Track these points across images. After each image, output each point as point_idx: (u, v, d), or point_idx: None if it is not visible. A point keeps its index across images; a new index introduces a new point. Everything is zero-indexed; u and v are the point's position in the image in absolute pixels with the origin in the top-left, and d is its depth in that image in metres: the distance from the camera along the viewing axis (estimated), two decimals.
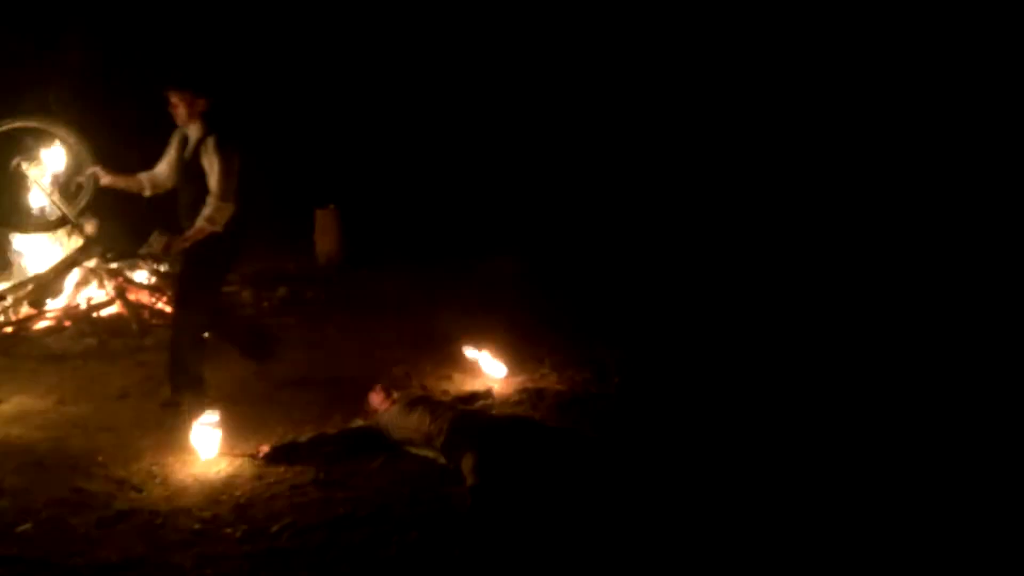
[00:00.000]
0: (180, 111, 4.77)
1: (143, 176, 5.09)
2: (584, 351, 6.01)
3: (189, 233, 4.79)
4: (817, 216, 9.21)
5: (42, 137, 6.60)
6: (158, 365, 5.90)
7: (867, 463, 4.03)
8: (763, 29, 10.92)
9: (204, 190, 4.76)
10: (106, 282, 6.97)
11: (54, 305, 6.68)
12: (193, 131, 4.81)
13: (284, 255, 9.27)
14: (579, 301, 7.53)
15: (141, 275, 7.43)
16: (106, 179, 5.16)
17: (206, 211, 4.73)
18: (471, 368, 5.60)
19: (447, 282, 8.21)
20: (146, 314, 6.87)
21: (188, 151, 4.82)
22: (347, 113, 11.33)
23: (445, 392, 5.24)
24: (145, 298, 7.09)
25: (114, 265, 7.17)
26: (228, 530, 3.49)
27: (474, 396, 5.11)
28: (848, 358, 5.64)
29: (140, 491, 3.88)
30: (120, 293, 6.91)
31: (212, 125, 4.77)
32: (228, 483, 3.95)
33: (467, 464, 3.85)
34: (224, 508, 3.69)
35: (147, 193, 5.13)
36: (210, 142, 4.73)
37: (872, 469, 3.97)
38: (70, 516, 3.62)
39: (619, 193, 10.41)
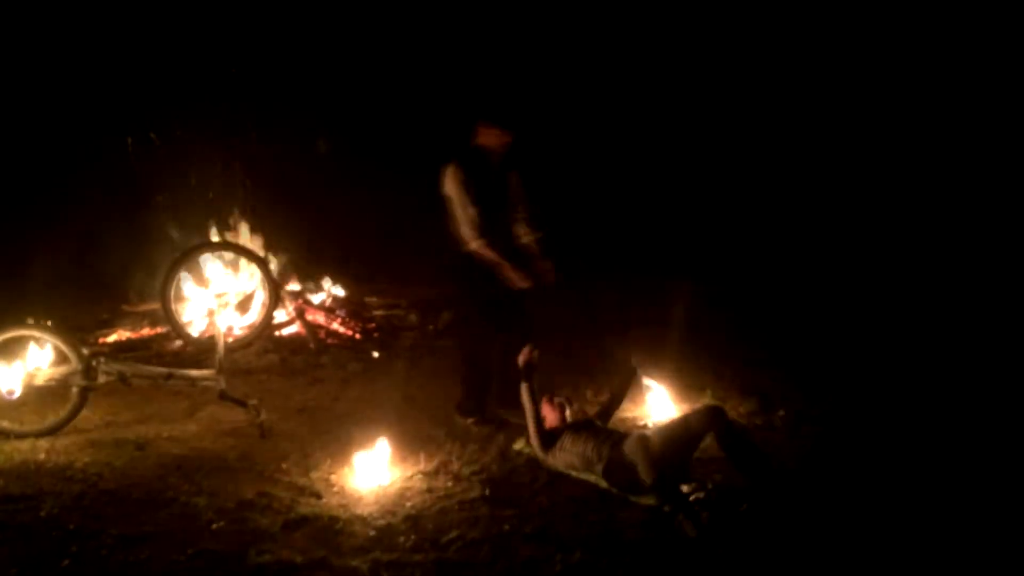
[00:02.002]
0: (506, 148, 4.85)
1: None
2: (748, 380, 5.89)
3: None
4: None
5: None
6: (333, 381, 6.30)
7: None
8: None
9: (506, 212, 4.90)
10: (287, 303, 7.45)
11: (243, 323, 7.20)
12: (499, 164, 4.89)
13: (446, 280, 9.58)
14: (745, 328, 7.38)
15: (318, 297, 7.92)
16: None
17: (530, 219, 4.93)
18: (632, 394, 5.58)
19: (609, 307, 8.25)
20: (322, 334, 7.29)
21: (501, 182, 4.91)
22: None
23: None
24: (322, 319, 7.53)
25: (295, 287, 7.67)
26: (401, 539, 3.65)
27: (634, 423, 5.10)
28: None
29: (320, 498, 4.12)
30: (300, 314, 7.38)
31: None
32: (400, 494, 4.13)
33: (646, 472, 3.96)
34: (396, 518, 3.85)
35: None
36: (514, 172, 4.94)
37: None
38: (258, 517, 3.89)
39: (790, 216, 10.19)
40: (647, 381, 5.41)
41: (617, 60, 11.45)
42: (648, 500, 3.96)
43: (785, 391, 5.63)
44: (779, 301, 8.25)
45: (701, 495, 3.94)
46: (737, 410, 5.37)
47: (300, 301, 7.63)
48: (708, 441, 4.80)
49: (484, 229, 4.68)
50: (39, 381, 5.17)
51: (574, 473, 4.33)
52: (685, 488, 3.99)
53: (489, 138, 4.80)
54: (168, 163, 8.02)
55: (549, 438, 4.43)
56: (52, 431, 5.06)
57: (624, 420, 5.17)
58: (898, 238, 9.42)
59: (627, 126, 11.41)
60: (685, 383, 5.74)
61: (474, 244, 4.62)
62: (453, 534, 3.68)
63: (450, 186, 4.75)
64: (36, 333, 5.21)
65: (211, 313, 7.14)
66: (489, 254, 4.63)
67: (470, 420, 4.65)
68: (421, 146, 10.74)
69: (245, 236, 7.78)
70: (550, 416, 4.57)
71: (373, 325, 7.65)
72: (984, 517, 3.73)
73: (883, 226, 9.67)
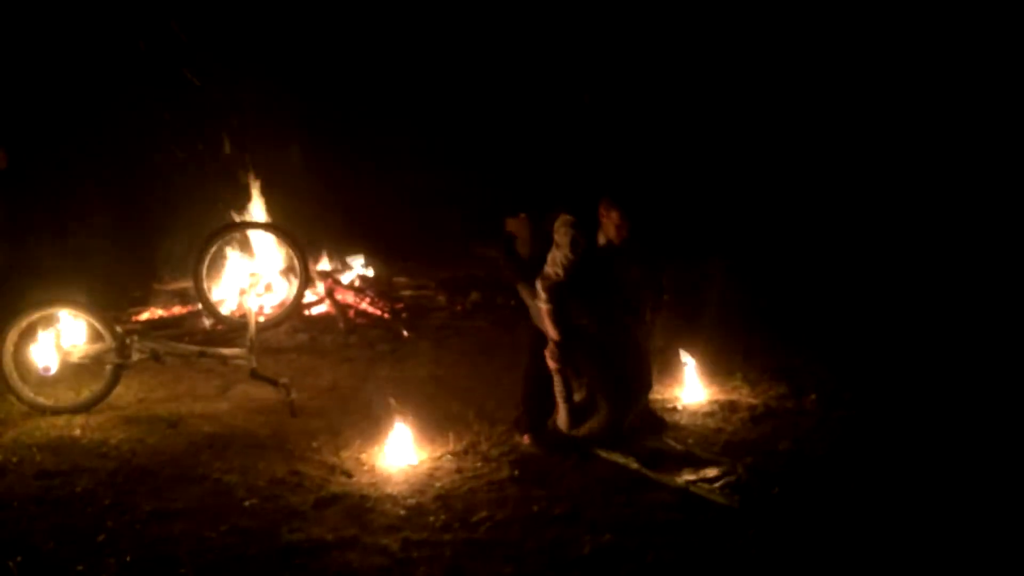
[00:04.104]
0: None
1: None
2: (779, 362, 5.83)
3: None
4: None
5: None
6: (362, 360, 6.33)
7: None
8: None
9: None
10: (317, 283, 7.49)
11: (274, 303, 7.25)
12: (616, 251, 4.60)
13: (475, 261, 9.58)
14: (775, 308, 7.32)
15: (347, 277, 7.96)
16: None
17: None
18: (663, 377, 5.55)
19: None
20: (352, 314, 7.33)
21: (617, 267, 4.64)
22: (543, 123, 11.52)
23: None
24: (351, 298, 7.57)
25: (326, 267, 7.71)
26: (430, 518, 3.66)
27: (663, 405, 5.08)
28: None
29: (350, 476, 4.15)
30: (329, 293, 7.42)
31: None
32: (429, 474, 4.15)
33: None
34: (426, 498, 3.87)
35: None
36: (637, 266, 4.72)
37: None
38: (289, 495, 3.93)
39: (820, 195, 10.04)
40: (684, 359, 5.37)
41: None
42: (678, 480, 3.96)
43: (816, 375, 5.57)
44: (810, 284, 8.14)
45: (732, 479, 3.93)
46: (767, 394, 5.33)
47: (330, 281, 7.66)
48: (738, 425, 4.82)
49: (561, 300, 4.43)
50: (74, 358, 5.25)
51: (603, 453, 4.33)
52: (716, 471, 3.98)
53: (608, 220, 4.44)
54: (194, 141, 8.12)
55: (578, 416, 4.46)
56: (87, 408, 5.14)
57: (653, 402, 5.13)
58: (925, 225, 9.26)
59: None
60: (715, 366, 5.69)
61: (543, 304, 4.41)
62: (482, 514, 3.69)
63: (559, 233, 4.49)
64: (71, 311, 5.28)
65: (242, 292, 7.19)
66: (548, 320, 4.39)
67: (526, 438, 4.60)
68: (447, 128, 10.79)
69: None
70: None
71: (402, 305, 7.66)
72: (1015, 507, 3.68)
73: (912, 212, 9.51)
